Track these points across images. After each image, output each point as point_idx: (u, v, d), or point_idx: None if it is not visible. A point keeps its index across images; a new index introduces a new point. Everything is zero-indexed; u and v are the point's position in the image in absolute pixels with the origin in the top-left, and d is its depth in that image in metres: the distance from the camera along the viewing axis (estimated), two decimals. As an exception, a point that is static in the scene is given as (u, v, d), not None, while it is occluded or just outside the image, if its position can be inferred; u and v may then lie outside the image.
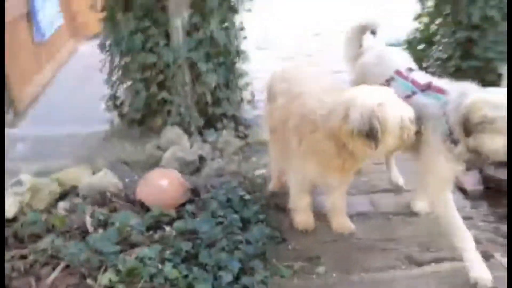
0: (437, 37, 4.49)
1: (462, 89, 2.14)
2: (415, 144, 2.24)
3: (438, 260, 2.33)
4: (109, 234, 2.39)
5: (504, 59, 3.68)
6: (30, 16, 5.12)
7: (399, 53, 2.78)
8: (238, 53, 4.10)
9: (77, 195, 3.04)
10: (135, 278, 2.14)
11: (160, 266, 2.18)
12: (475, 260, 2.14)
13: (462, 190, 2.86)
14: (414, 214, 2.68)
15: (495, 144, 1.99)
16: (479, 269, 2.13)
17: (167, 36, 3.65)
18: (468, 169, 2.22)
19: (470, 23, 4.04)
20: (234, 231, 2.40)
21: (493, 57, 3.98)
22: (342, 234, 2.55)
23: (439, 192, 2.25)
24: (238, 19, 4.07)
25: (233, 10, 3.97)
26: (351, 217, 2.64)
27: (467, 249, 2.15)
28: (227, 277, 2.10)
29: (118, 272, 2.16)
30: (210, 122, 3.93)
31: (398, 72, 2.44)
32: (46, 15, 5.50)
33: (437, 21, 4.57)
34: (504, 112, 1.94)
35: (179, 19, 3.60)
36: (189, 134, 3.78)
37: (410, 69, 2.48)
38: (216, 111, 3.91)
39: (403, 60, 2.62)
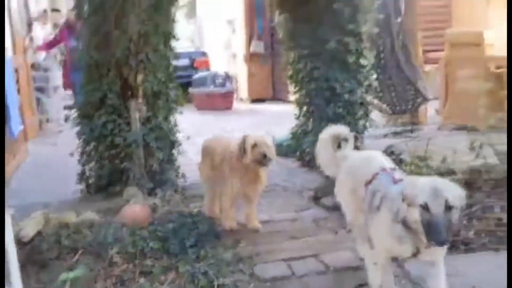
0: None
1: (415, 180, 2.64)
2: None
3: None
4: (107, 232, 3.81)
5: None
6: (6, 117, 6.51)
7: (383, 156, 3.30)
8: (175, 141, 5.85)
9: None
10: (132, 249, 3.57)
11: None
12: None
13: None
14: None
15: (413, 216, 2.47)
16: None
17: (129, 124, 5.32)
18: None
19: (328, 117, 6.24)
20: (189, 225, 3.95)
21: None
22: (253, 229, 4.18)
23: (381, 259, 2.87)
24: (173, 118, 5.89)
25: (172, 111, 5.79)
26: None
27: None
28: (188, 243, 3.63)
29: (122, 248, 3.58)
30: (157, 187, 5.49)
31: (383, 169, 3.00)
32: (13, 118, 6.88)
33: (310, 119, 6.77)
34: (415, 191, 2.46)
35: (137, 114, 5.31)
36: (143, 194, 5.29)
37: (393, 169, 3.04)
38: (162, 178, 5.51)
39: (387, 161, 3.17)
